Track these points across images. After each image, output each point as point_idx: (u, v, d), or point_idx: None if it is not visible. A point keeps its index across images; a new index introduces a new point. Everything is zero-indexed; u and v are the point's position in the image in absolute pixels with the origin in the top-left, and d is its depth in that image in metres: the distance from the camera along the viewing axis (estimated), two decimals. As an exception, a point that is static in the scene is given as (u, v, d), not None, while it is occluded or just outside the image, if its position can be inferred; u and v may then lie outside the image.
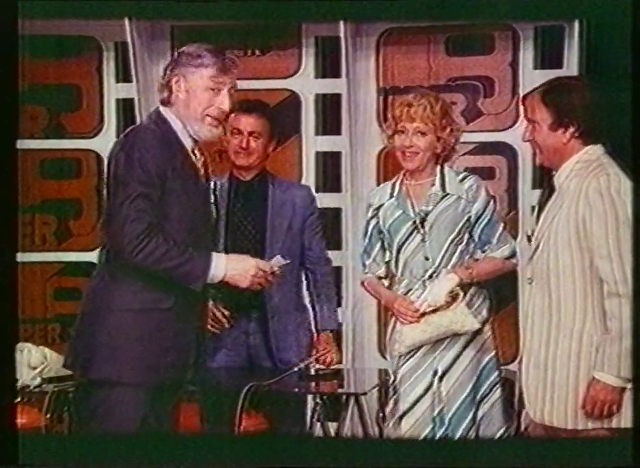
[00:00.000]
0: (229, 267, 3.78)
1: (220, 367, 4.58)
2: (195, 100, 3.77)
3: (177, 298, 3.75)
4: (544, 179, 4.14)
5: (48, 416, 4.10)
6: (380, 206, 4.40)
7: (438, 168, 4.35)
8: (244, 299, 4.54)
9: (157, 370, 3.74)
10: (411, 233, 4.32)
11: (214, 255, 3.79)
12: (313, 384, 4.48)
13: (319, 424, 4.52)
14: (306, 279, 4.72)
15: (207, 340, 4.47)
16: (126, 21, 5.03)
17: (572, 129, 3.70)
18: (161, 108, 3.83)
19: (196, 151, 3.84)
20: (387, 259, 4.40)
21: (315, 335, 4.69)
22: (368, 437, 4.52)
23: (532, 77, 5.11)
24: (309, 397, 4.59)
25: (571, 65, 4.97)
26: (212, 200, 4.33)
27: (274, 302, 4.57)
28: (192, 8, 4.44)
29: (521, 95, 4.74)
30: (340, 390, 4.56)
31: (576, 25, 4.67)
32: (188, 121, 3.78)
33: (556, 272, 3.68)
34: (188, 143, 3.82)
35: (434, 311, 4.25)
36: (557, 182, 3.74)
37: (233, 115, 4.46)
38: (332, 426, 4.55)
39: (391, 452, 4.07)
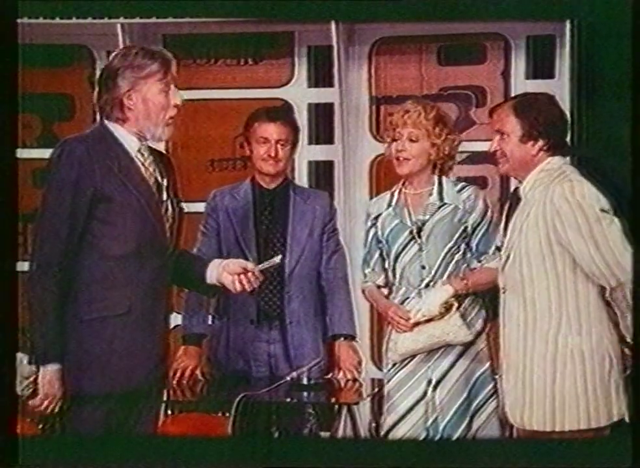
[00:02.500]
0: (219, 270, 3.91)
1: (245, 377, 4.64)
2: (154, 107, 3.87)
3: (131, 302, 3.76)
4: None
5: (40, 426, 4.10)
6: (379, 215, 4.46)
7: (436, 177, 4.38)
8: (268, 307, 4.63)
9: (122, 378, 3.80)
10: (408, 242, 4.36)
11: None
12: (305, 394, 4.48)
13: (311, 433, 4.53)
14: (323, 284, 4.74)
15: (235, 348, 4.61)
16: (119, 30, 5.04)
17: (541, 142, 3.82)
18: (106, 122, 3.90)
19: (140, 157, 3.86)
20: (386, 268, 4.42)
21: (335, 344, 4.68)
22: (365, 439, 4.54)
23: (524, 87, 5.14)
24: (302, 407, 4.60)
25: (563, 75, 4.99)
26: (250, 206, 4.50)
27: (292, 307, 4.63)
28: (185, 7, 4.46)
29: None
30: (333, 400, 4.57)
31: (567, 29, 4.69)
32: (148, 128, 3.84)
33: (529, 280, 3.78)
34: (132, 149, 3.89)
35: (427, 321, 4.27)
36: (522, 192, 3.83)
37: (257, 124, 4.56)
38: (325, 436, 4.56)
39: (388, 453, 4.08)
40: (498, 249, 4.04)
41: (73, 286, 3.80)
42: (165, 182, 3.92)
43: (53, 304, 3.76)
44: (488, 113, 4.08)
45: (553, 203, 3.74)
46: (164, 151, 4.15)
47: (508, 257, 3.87)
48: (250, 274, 3.95)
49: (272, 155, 4.66)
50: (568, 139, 3.96)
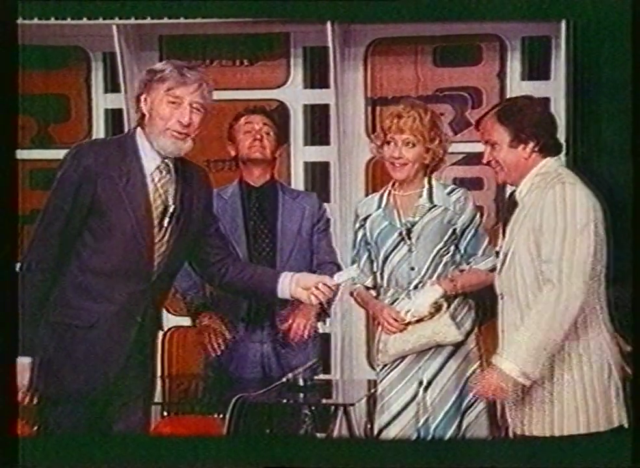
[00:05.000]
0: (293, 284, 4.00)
1: (239, 378, 4.68)
2: (157, 115, 3.85)
3: (99, 318, 3.82)
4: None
5: (35, 428, 4.12)
6: (367, 217, 4.45)
7: (426, 179, 4.39)
8: (258, 306, 4.67)
9: (80, 384, 3.85)
10: (397, 244, 4.37)
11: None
12: (301, 395, 4.50)
13: (307, 434, 4.56)
14: None
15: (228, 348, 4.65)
16: (114, 31, 5.07)
17: (531, 144, 3.85)
18: (137, 131, 3.92)
19: (156, 174, 3.85)
20: (374, 270, 4.43)
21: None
22: (361, 440, 4.56)
23: (519, 88, 5.18)
24: (298, 408, 4.62)
25: (558, 77, 5.02)
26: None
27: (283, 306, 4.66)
28: (181, 8, 4.48)
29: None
30: (328, 401, 4.60)
31: (563, 30, 4.71)
32: (154, 136, 3.84)
33: (523, 285, 3.80)
34: (150, 165, 3.87)
35: (417, 322, 4.29)
36: (518, 197, 3.85)
37: (243, 118, 4.72)
38: (321, 437, 4.58)
39: (384, 453, 4.10)
40: (497, 253, 4.03)
41: (53, 288, 3.81)
42: (172, 208, 3.88)
43: (35, 303, 3.80)
44: (474, 126, 4.09)
45: (543, 208, 3.75)
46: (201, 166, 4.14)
47: (504, 262, 3.87)
48: (324, 287, 3.99)
49: (258, 138, 4.73)
50: (559, 137, 3.96)
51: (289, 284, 4.01)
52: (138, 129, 3.89)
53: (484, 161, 3.94)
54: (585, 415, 3.75)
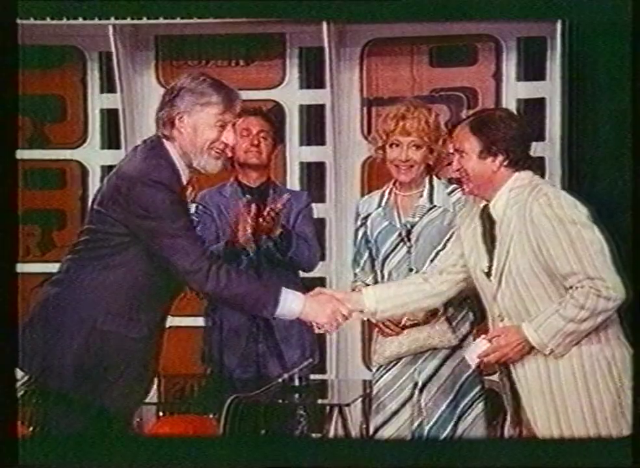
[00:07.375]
0: (306, 306, 3.90)
1: (234, 378, 4.70)
2: (202, 136, 3.87)
3: (149, 330, 3.83)
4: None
5: (31, 429, 4.12)
6: (368, 215, 4.42)
7: (427, 179, 4.36)
8: None
9: (112, 393, 3.82)
10: (397, 245, 4.35)
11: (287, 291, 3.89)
12: (296, 395, 4.52)
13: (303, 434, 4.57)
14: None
15: (221, 349, 4.70)
16: (110, 31, 5.08)
17: (501, 158, 3.80)
18: (165, 143, 3.89)
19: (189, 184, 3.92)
20: (375, 268, 4.41)
21: None
22: (359, 439, 4.57)
23: (515, 89, 5.20)
24: (293, 408, 4.63)
25: (554, 77, 5.04)
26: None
27: None
28: (177, 8, 4.49)
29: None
30: (324, 402, 4.61)
31: (558, 30, 4.73)
32: (194, 155, 3.86)
33: (531, 301, 3.77)
34: (185, 176, 3.91)
35: (413, 325, 4.28)
36: (494, 213, 3.81)
37: (240, 119, 4.65)
38: (317, 437, 4.60)
39: (380, 453, 4.11)
40: (487, 274, 3.98)
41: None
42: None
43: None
44: (448, 133, 4.08)
45: (534, 223, 3.74)
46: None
47: (500, 283, 3.85)
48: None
49: (255, 143, 4.75)
50: (530, 153, 3.94)
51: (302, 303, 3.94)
52: (167, 142, 3.89)
53: (454, 170, 3.91)
54: (594, 423, 3.75)
